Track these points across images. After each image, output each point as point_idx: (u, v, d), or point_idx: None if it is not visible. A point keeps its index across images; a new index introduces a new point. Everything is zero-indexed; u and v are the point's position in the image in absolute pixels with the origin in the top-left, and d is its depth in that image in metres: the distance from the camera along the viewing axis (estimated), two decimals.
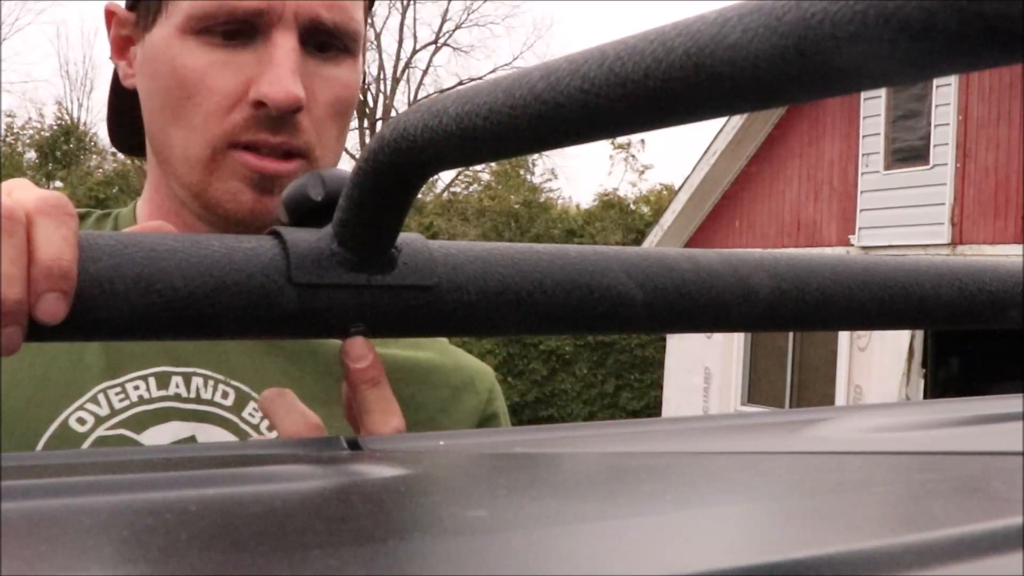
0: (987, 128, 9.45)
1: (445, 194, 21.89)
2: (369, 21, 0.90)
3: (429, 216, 17.97)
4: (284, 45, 0.77)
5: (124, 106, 0.89)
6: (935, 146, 9.76)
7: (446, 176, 21.54)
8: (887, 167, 10.18)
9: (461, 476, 0.45)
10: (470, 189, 22.36)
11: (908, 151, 10.01)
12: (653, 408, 14.74)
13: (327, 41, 0.80)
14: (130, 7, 0.84)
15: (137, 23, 0.82)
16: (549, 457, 0.50)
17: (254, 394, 0.81)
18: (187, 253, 0.50)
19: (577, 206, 22.30)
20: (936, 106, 9.71)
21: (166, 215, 0.84)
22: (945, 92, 9.60)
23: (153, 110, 0.81)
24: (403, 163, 0.50)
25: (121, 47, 0.85)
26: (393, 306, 0.55)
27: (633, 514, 0.35)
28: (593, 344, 15.25)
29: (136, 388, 0.79)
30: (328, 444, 0.49)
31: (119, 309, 0.48)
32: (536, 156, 20.65)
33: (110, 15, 0.85)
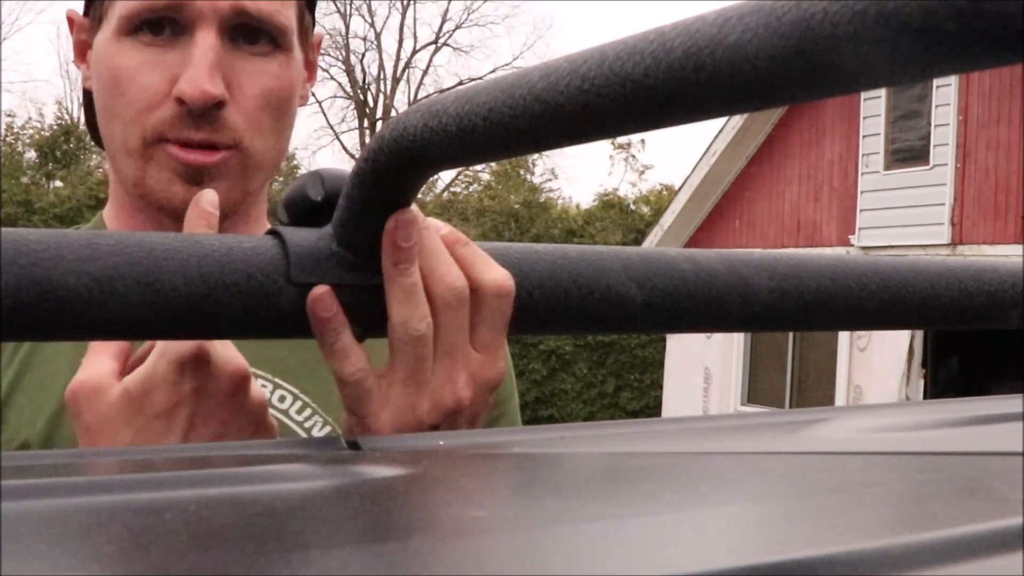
0: (987, 128, 9.45)
1: (445, 194, 21.90)
2: (311, 19, 0.92)
3: (429, 216, 17.89)
4: (203, 43, 0.80)
5: (92, 107, 0.92)
6: (935, 146, 9.76)
7: (446, 176, 21.54)
8: (887, 167, 10.18)
9: (461, 476, 0.45)
10: (470, 189, 22.36)
11: (908, 151, 10.01)
12: (653, 408, 14.73)
13: (254, 34, 0.83)
14: (85, 13, 0.88)
15: (90, 28, 0.87)
16: (549, 457, 0.50)
17: (295, 390, 0.85)
18: (187, 253, 0.50)
19: (577, 206, 22.30)
20: (936, 106, 9.71)
21: (128, 211, 0.88)
22: (945, 92, 9.60)
23: (99, 109, 0.86)
24: (403, 163, 0.50)
25: (81, 52, 0.89)
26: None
27: (633, 514, 0.35)
28: (593, 344, 15.25)
29: None
30: (328, 444, 0.49)
31: (119, 309, 0.48)
32: (536, 156, 20.65)
33: (71, 21, 0.90)
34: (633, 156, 23.99)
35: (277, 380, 0.84)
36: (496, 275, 0.56)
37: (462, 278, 0.56)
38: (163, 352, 0.58)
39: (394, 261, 0.54)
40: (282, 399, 0.83)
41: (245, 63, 0.82)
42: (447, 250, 0.57)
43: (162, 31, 0.81)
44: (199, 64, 0.79)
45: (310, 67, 0.93)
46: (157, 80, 0.80)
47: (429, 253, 0.56)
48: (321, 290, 0.53)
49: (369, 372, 0.57)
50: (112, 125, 0.83)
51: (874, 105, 10.17)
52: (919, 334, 9.38)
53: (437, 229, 0.58)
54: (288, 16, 0.85)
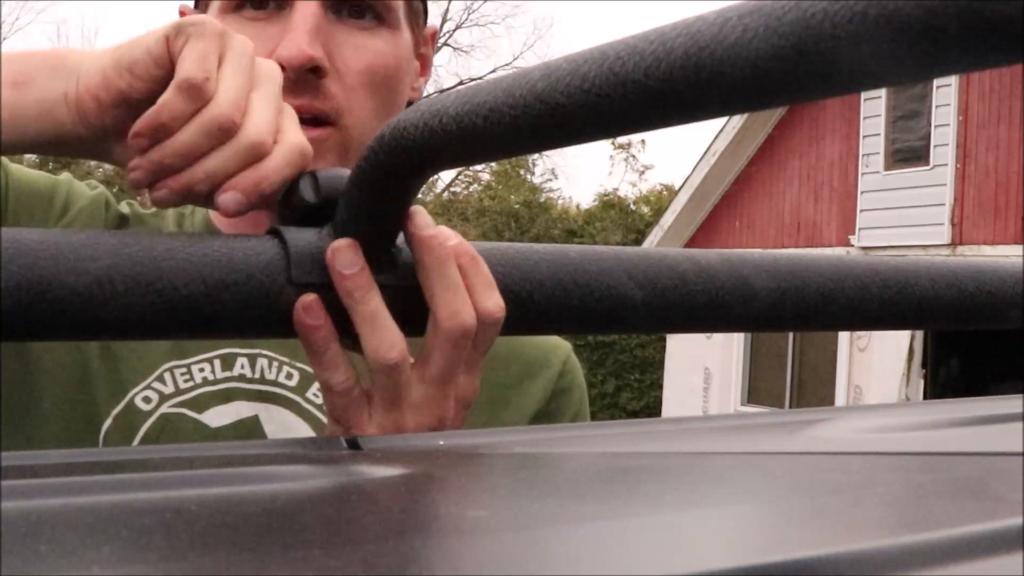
0: (987, 129, 9.45)
1: (445, 194, 21.90)
2: (422, 5, 0.90)
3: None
4: (303, 9, 0.78)
5: None
6: (935, 147, 9.76)
7: (446, 176, 21.53)
8: (887, 167, 10.18)
9: (461, 476, 0.45)
10: (470, 189, 22.36)
11: (908, 151, 10.01)
12: (653, 408, 14.73)
13: (359, 7, 0.81)
14: (195, 5, 0.88)
15: (198, 8, 0.86)
16: (549, 457, 0.50)
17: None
18: (187, 253, 0.50)
19: (577, 206, 22.32)
20: (936, 106, 9.71)
21: None
22: (945, 92, 9.60)
23: None
24: (403, 163, 0.50)
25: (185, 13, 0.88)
26: (393, 306, 0.55)
27: (633, 514, 0.35)
28: (593, 344, 15.25)
29: (201, 370, 0.81)
30: (328, 444, 0.49)
31: (119, 309, 0.48)
32: (536, 156, 20.66)
33: (182, 13, 0.88)
34: (633, 156, 24.01)
35: (297, 363, 0.82)
36: (493, 304, 0.55)
37: (473, 316, 0.55)
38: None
39: (345, 291, 0.53)
40: (289, 376, 0.82)
41: (348, 36, 0.80)
42: (458, 272, 0.56)
43: (265, 5, 0.80)
44: (298, 27, 0.77)
45: (423, 60, 0.91)
46: (258, 51, 0.78)
47: (445, 286, 0.55)
48: (309, 298, 0.52)
49: (355, 386, 0.56)
50: None
51: (874, 105, 10.17)
52: (919, 334, 9.38)
53: (446, 241, 0.55)
54: None
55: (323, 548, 0.29)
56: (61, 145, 0.60)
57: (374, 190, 0.52)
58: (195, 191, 0.56)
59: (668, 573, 0.26)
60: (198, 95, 0.55)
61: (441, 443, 0.51)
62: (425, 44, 0.91)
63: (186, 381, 0.81)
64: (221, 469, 0.42)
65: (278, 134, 0.57)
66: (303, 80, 0.78)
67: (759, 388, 11.31)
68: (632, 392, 15.56)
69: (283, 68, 0.76)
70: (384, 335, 0.54)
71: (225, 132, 0.55)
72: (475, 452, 0.51)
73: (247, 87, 0.57)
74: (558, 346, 0.92)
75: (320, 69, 0.78)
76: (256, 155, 0.56)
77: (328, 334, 0.54)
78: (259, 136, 0.56)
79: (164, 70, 0.57)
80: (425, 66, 0.92)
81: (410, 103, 0.87)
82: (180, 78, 0.55)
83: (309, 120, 0.78)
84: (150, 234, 0.52)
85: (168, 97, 0.55)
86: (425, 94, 0.88)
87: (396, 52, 0.83)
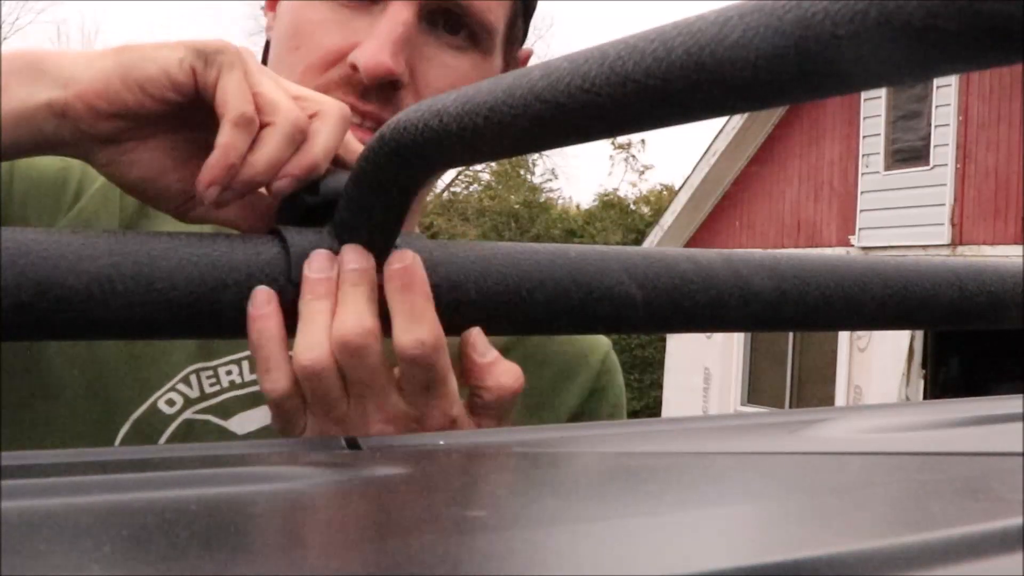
0: (987, 129, 9.45)
1: (445, 194, 21.89)
2: (522, 30, 0.85)
3: (429, 216, 17.98)
4: (395, 15, 0.74)
5: (266, 60, 0.89)
6: (935, 147, 9.76)
7: (446, 176, 21.50)
8: (887, 168, 10.19)
9: (461, 476, 0.45)
10: (470, 189, 22.36)
11: (908, 152, 10.02)
12: (653, 408, 14.73)
13: (456, 23, 0.77)
14: None
15: None
16: (549, 457, 0.50)
17: None
18: (187, 253, 0.50)
19: (577, 206, 22.32)
20: (936, 107, 9.71)
21: None
22: (945, 93, 9.60)
23: (271, 59, 0.81)
24: (403, 163, 0.50)
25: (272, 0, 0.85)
26: None
27: (633, 514, 0.35)
28: None
29: (228, 373, 0.78)
30: (328, 444, 0.49)
31: (119, 309, 0.48)
32: (536, 156, 20.66)
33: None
34: (633, 156, 24.00)
35: None
36: (409, 339, 0.53)
37: (362, 326, 0.53)
38: None
39: (302, 291, 0.53)
40: None
41: (437, 51, 0.76)
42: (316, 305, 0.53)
43: None
44: (383, 34, 0.73)
45: None
46: (337, 40, 0.75)
47: (306, 317, 0.53)
48: (260, 288, 0.51)
49: (292, 393, 0.54)
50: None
51: (874, 105, 10.17)
52: (919, 334, 9.38)
53: (346, 264, 0.54)
54: (498, 16, 0.79)
55: (323, 548, 0.29)
56: (38, 149, 0.57)
57: (374, 190, 0.52)
58: (256, 184, 0.55)
59: (668, 573, 0.26)
60: (253, 127, 0.54)
61: (441, 443, 0.51)
62: (517, 67, 0.85)
63: (212, 385, 0.77)
64: (221, 469, 0.42)
65: (310, 104, 0.57)
66: (376, 88, 0.74)
67: (759, 388, 11.31)
68: (632, 392, 15.55)
69: (356, 69, 0.73)
70: (303, 339, 0.53)
71: (302, 134, 0.55)
72: (475, 452, 0.51)
73: (283, 89, 0.57)
74: (596, 345, 0.89)
75: (397, 82, 0.74)
76: (303, 135, 0.56)
77: (270, 327, 0.52)
78: (297, 119, 0.55)
79: (184, 96, 0.55)
80: None
81: None
82: (236, 115, 0.54)
83: (373, 128, 0.74)
84: (150, 234, 0.51)
85: (231, 138, 0.54)
86: None
87: (480, 77, 0.77)
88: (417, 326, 0.53)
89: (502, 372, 0.56)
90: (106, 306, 0.48)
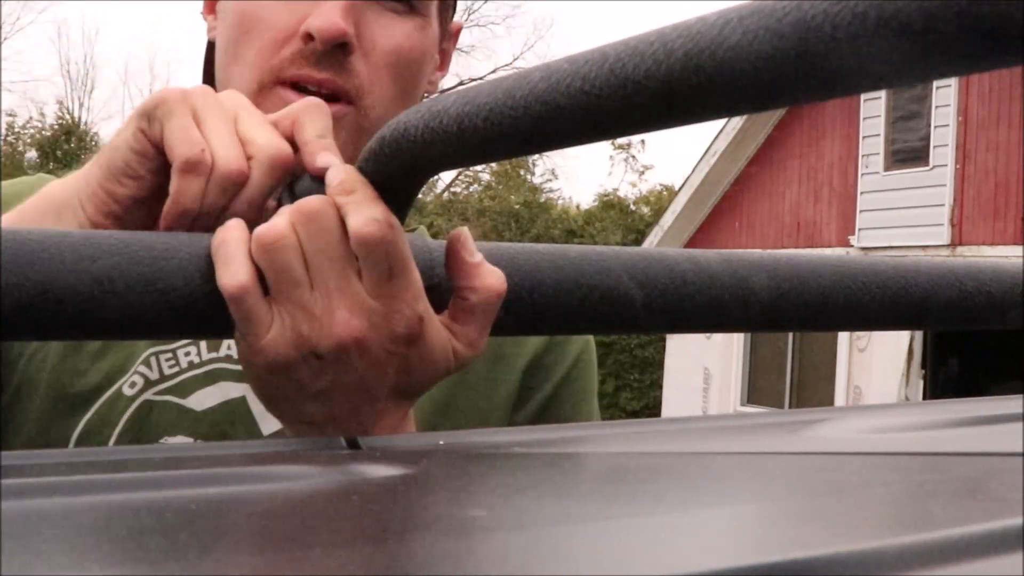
0: (987, 129, 9.46)
1: (445, 194, 21.90)
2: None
3: (429, 216, 17.99)
4: None
5: (211, 66, 0.90)
6: (935, 147, 9.76)
7: (446, 176, 21.54)
8: (887, 168, 10.19)
9: (461, 476, 0.45)
10: (470, 189, 22.37)
11: (908, 152, 10.02)
12: (653, 408, 14.73)
13: None
14: None
15: None
16: (549, 457, 0.50)
17: None
18: (187, 252, 0.50)
19: (577, 206, 22.33)
20: (936, 107, 9.71)
21: None
22: (945, 93, 9.60)
23: (221, 57, 0.83)
24: (404, 163, 0.50)
25: (211, 2, 0.87)
26: None
27: (633, 514, 0.35)
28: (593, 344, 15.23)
29: (187, 353, 0.80)
30: (328, 444, 0.49)
31: (119, 309, 0.48)
32: (536, 156, 20.67)
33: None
34: (633, 156, 24.02)
35: None
36: (360, 218, 0.52)
37: (318, 197, 0.53)
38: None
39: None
40: None
41: (379, 16, 0.80)
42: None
43: None
44: (332, 2, 0.76)
45: (443, 55, 0.90)
46: (286, 18, 0.78)
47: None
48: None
49: (252, 285, 0.52)
50: (231, 68, 0.81)
51: (874, 106, 10.17)
52: (919, 335, 9.38)
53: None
54: None
55: (323, 548, 0.29)
56: None
57: (375, 190, 0.52)
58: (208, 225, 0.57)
59: (668, 573, 0.26)
60: (202, 167, 0.55)
61: (441, 443, 0.51)
62: (449, 39, 0.90)
63: (172, 367, 0.80)
64: (221, 469, 0.42)
65: (249, 147, 0.57)
66: (329, 54, 0.77)
67: (759, 388, 11.31)
68: (632, 392, 15.56)
69: (311, 38, 0.76)
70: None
71: (236, 186, 0.56)
72: (475, 452, 0.51)
73: (231, 129, 0.57)
74: (578, 336, 0.92)
75: (348, 45, 0.77)
76: (236, 186, 0.56)
77: (234, 230, 0.52)
78: (229, 173, 0.56)
79: (155, 159, 0.57)
80: (445, 61, 0.91)
81: (425, 96, 0.86)
82: (180, 162, 0.55)
83: (328, 96, 0.76)
84: (150, 234, 0.52)
85: (177, 184, 0.55)
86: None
87: (423, 40, 0.83)
88: (367, 209, 0.52)
89: (488, 273, 0.55)
90: (106, 306, 0.48)
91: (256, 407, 0.79)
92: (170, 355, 0.80)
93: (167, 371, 0.80)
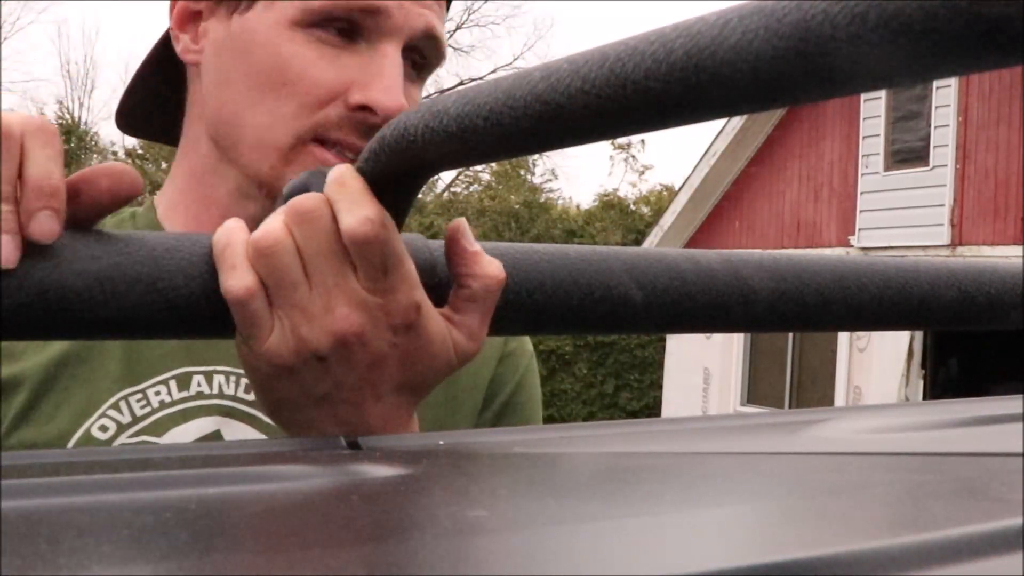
0: (987, 130, 9.46)
1: (445, 194, 21.90)
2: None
3: (429, 216, 17.98)
4: (393, 56, 0.78)
5: (155, 81, 0.88)
6: (935, 147, 9.76)
7: (446, 176, 21.54)
8: (887, 168, 10.19)
9: (461, 476, 0.45)
10: (470, 189, 22.37)
11: (908, 152, 10.02)
12: (653, 408, 14.73)
13: (423, 55, 0.81)
14: None
15: (219, 1, 0.81)
16: (549, 457, 0.50)
17: None
18: (188, 253, 0.50)
19: (577, 206, 22.33)
20: (936, 107, 9.71)
21: (194, 205, 0.84)
22: (945, 93, 9.60)
23: (232, 92, 0.80)
24: (404, 163, 0.50)
25: (186, 20, 0.83)
26: None
27: (633, 514, 0.35)
28: (593, 344, 15.25)
29: (157, 393, 0.79)
30: (328, 444, 0.49)
31: (119, 309, 0.48)
32: (536, 156, 20.68)
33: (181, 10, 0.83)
34: (633, 156, 24.03)
35: (241, 371, 0.79)
36: (353, 218, 0.52)
37: (313, 197, 0.53)
38: None
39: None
40: (248, 390, 0.80)
41: (408, 89, 0.80)
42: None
43: (348, 34, 0.78)
44: (393, 75, 0.77)
45: None
46: (332, 79, 0.77)
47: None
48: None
49: (256, 290, 0.52)
50: (256, 113, 0.78)
51: (874, 106, 10.17)
52: (919, 335, 9.39)
53: None
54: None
55: (323, 548, 0.29)
56: None
57: (375, 190, 0.52)
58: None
59: (668, 573, 0.26)
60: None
61: (441, 443, 0.51)
62: None
63: (143, 408, 0.79)
64: (221, 469, 0.42)
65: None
66: (375, 127, 0.74)
67: (759, 388, 11.31)
68: (632, 392, 15.56)
69: (366, 109, 0.76)
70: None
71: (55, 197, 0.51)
72: (475, 452, 0.51)
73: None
74: (524, 344, 0.95)
75: None
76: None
77: (235, 231, 0.52)
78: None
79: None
80: None
81: None
82: None
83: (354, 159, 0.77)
84: (150, 234, 0.51)
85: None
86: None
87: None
88: (359, 207, 0.52)
89: (488, 262, 0.55)
90: (106, 306, 0.48)
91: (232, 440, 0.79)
92: (140, 395, 0.79)
93: (139, 412, 0.79)
